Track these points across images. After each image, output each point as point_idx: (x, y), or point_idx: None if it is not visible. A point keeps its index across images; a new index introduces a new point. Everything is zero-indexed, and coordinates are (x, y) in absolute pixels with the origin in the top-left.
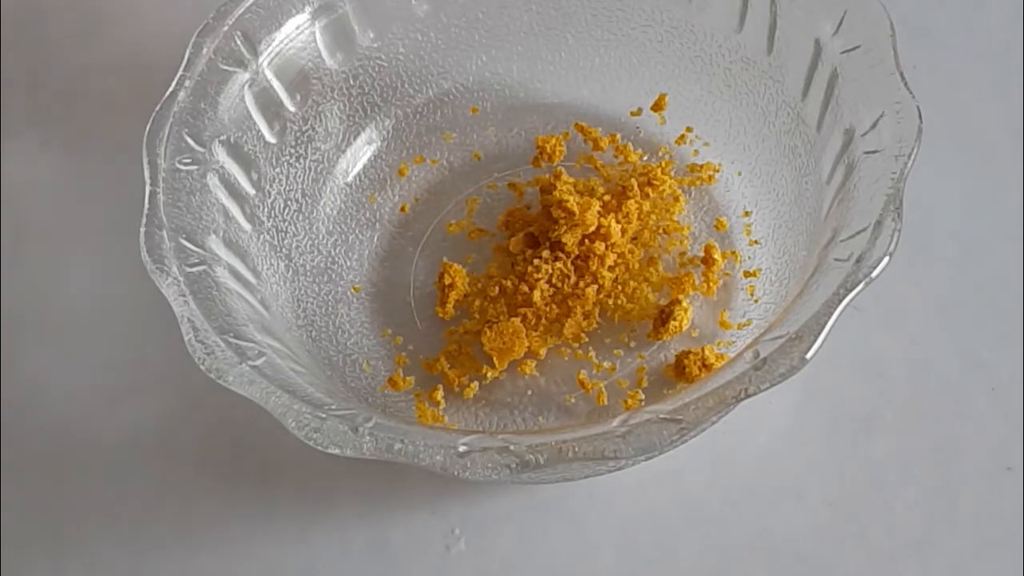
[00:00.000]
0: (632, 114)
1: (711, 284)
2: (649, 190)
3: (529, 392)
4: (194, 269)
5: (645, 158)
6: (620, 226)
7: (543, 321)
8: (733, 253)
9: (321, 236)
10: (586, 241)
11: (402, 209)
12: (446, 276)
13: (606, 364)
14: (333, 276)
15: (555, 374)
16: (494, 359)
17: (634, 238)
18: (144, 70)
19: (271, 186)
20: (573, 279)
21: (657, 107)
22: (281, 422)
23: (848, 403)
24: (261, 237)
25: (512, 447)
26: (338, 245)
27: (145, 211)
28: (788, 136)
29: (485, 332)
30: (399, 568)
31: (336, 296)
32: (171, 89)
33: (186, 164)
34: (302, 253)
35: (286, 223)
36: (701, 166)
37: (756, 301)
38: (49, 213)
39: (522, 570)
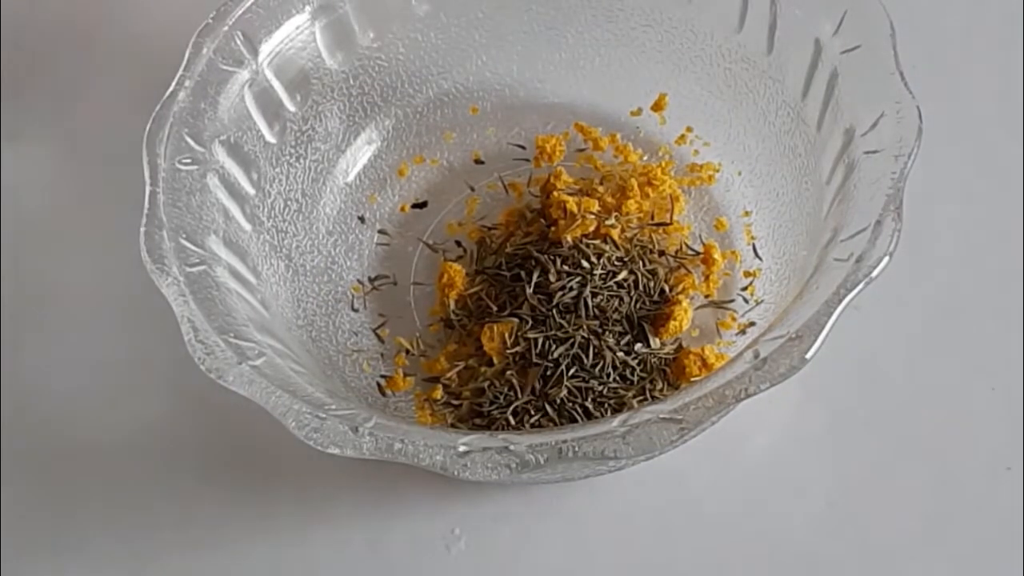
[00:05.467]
0: (632, 114)
1: (711, 284)
2: (649, 190)
3: None
4: (194, 269)
5: (645, 158)
6: (620, 226)
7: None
8: (733, 253)
9: (321, 236)
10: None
11: (402, 209)
12: (446, 276)
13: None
14: (333, 276)
15: None
16: (494, 359)
17: (634, 238)
18: (144, 70)
19: (271, 186)
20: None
21: (657, 107)
22: (281, 422)
23: (848, 403)
24: (261, 237)
25: (512, 447)
26: (338, 245)
27: (145, 211)
28: (788, 136)
29: (485, 332)
30: (399, 568)
31: (336, 296)
32: (171, 89)
33: (186, 164)
34: (302, 253)
35: (286, 223)
36: (701, 166)
37: (756, 301)
38: (49, 213)
39: (522, 570)
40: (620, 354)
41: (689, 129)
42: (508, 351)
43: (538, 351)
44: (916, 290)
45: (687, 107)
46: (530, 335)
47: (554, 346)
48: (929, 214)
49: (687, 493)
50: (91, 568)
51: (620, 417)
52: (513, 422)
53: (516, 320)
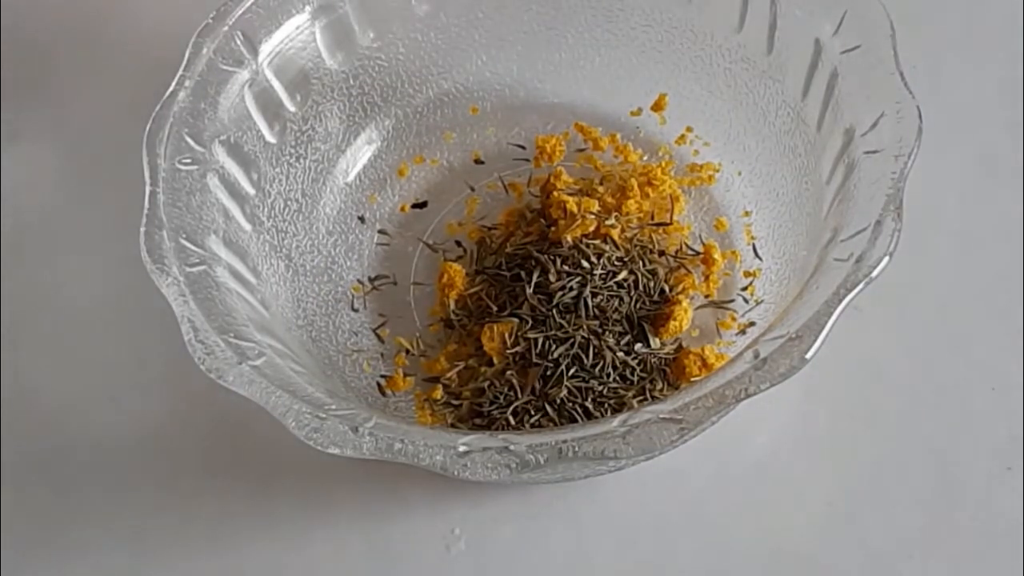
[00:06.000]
0: (632, 114)
1: (711, 284)
2: (649, 190)
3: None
4: (194, 269)
5: (645, 158)
6: (620, 226)
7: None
8: (733, 253)
9: (321, 236)
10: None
11: (402, 209)
12: (446, 276)
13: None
14: (333, 276)
15: None
16: (494, 359)
17: (634, 238)
18: (144, 70)
19: (271, 186)
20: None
21: (657, 107)
22: (281, 422)
23: (848, 403)
24: (261, 237)
25: (512, 447)
26: (338, 245)
27: (145, 211)
28: (788, 136)
29: (485, 332)
30: (399, 568)
31: (336, 296)
32: (171, 89)
33: (186, 164)
34: (302, 253)
35: (286, 223)
36: (701, 166)
37: (756, 301)
38: (49, 213)
39: (522, 570)
40: (620, 354)
41: (689, 129)
42: (508, 351)
43: (538, 351)
44: (916, 290)
45: (687, 107)
46: (530, 335)
47: (554, 346)
48: (929, 214)
49: (687, 493)
50: (91, 568)
51: (620, 417)
52: (513, 422)
53: (516, 320)
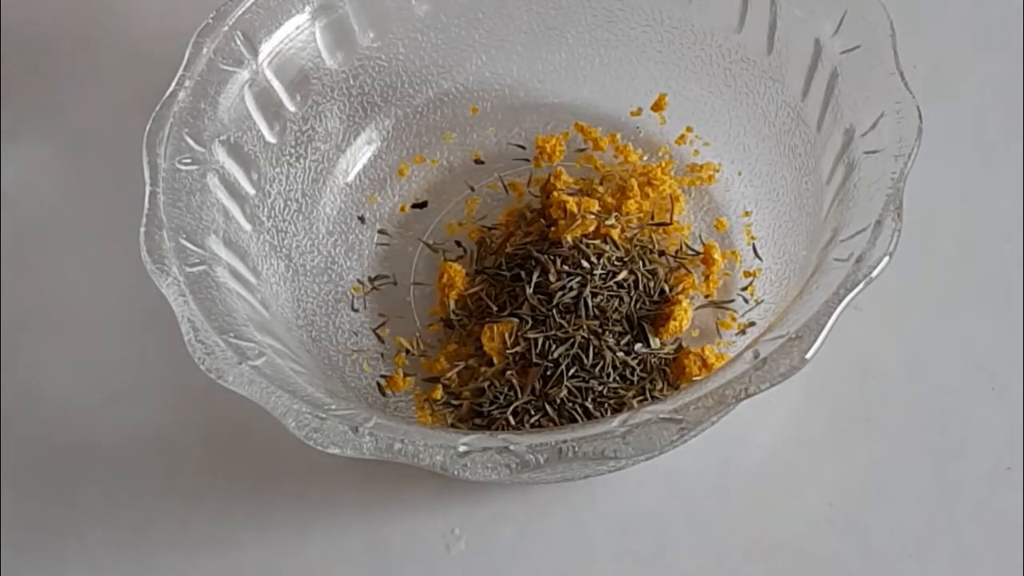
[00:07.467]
0: (632, 114)
1: (711, 284)
2: (649, 190)
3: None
4: (194, 269)
5: (645, 158)
6: (620, 226)
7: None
8: (733, 253)
9: (321, 236)
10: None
11: (402, 209)
12: (446, 276)
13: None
14: (333, 276)
15: None
16: (494, 359)
17: (634, 238)
18: (144, 70)
19: (271, 186)
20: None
21: (657, 107)
22: (281, 422)
23: (848, 403)
24: (261, 237)
25: (512, 447)
26: (338, 245)
27: (145, 211)
28: (788, 136)
29: (485, 332)
30: (399, 568)
31: (336, 296)
32: (171, 89)
33: (186, 164)
34: (302, 253)
35: (286, 223)
36: (701, 166)
37: (756, 301)
38: (49, 213)
39: (522, 570)
40: (620, 354)
41: (689, 129)
42: (508, 351)
43: (538, 351)
44: (916, 290)
45: (687, 107)
46: (530, 335)
47: (554, 346)
48: (929, 214)
49: (687, 493)
50: (91, 568)
51: (620, 417)
52: (513, 422)
53: (516, 320)
